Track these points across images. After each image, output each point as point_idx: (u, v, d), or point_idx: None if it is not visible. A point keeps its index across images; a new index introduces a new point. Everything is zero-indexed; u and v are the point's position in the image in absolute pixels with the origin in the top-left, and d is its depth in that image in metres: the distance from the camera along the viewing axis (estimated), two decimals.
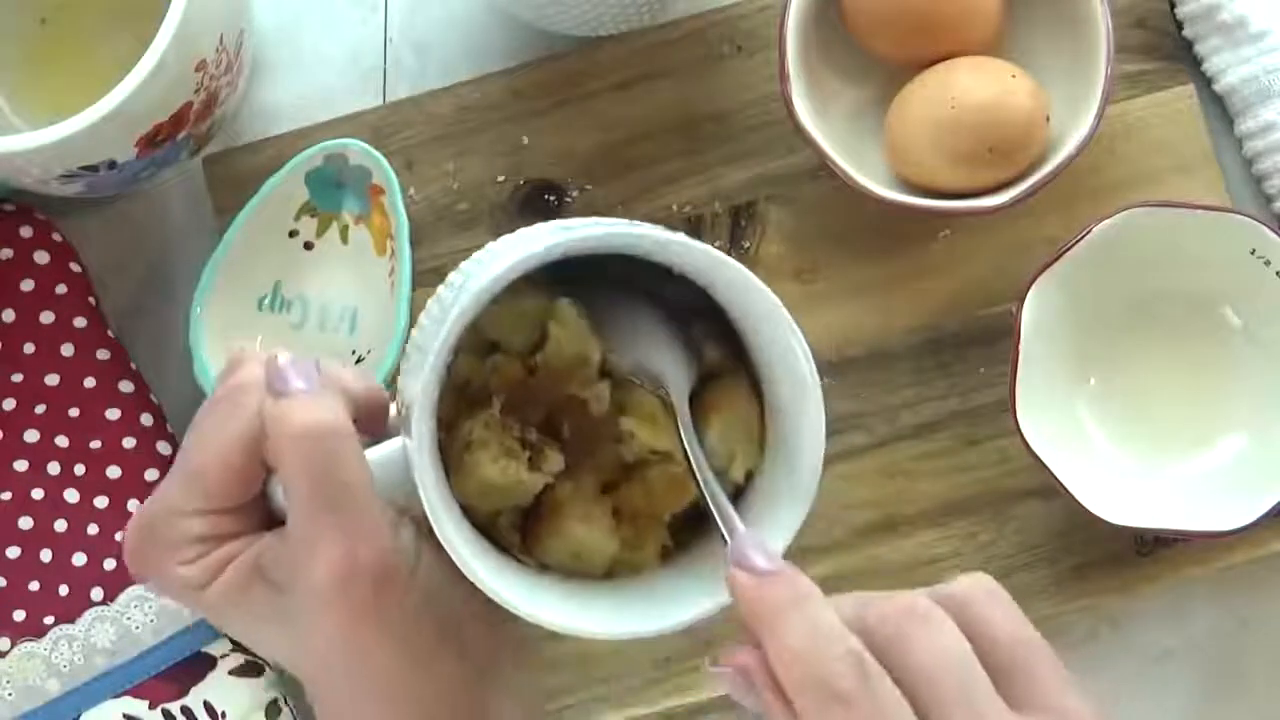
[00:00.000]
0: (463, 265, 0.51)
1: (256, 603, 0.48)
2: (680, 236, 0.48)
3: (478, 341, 0.49)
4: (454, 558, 0.46)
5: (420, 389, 0.46)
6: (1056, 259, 0.68)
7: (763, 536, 0.45)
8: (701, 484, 0.46)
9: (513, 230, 0.74)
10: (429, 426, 0.46)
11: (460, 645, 0.49)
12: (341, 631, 0.47)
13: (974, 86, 0.68)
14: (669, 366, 0.49)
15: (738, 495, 0.50)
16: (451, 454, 0.48)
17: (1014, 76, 0.69)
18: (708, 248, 0.47)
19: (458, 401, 0.49)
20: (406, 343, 0.71)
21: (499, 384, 0.49)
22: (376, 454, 0.48)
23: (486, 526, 0.49)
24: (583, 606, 0.48)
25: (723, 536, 0.45)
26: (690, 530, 0.50)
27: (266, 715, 0.71)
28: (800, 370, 0.47)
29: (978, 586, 0.43)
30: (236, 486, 0.48)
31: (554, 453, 0.49)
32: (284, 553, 0.48)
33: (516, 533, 0.50)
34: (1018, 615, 0.43)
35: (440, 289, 0.50)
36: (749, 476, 0.50)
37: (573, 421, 0.49)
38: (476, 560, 0.46)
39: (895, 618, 0.42)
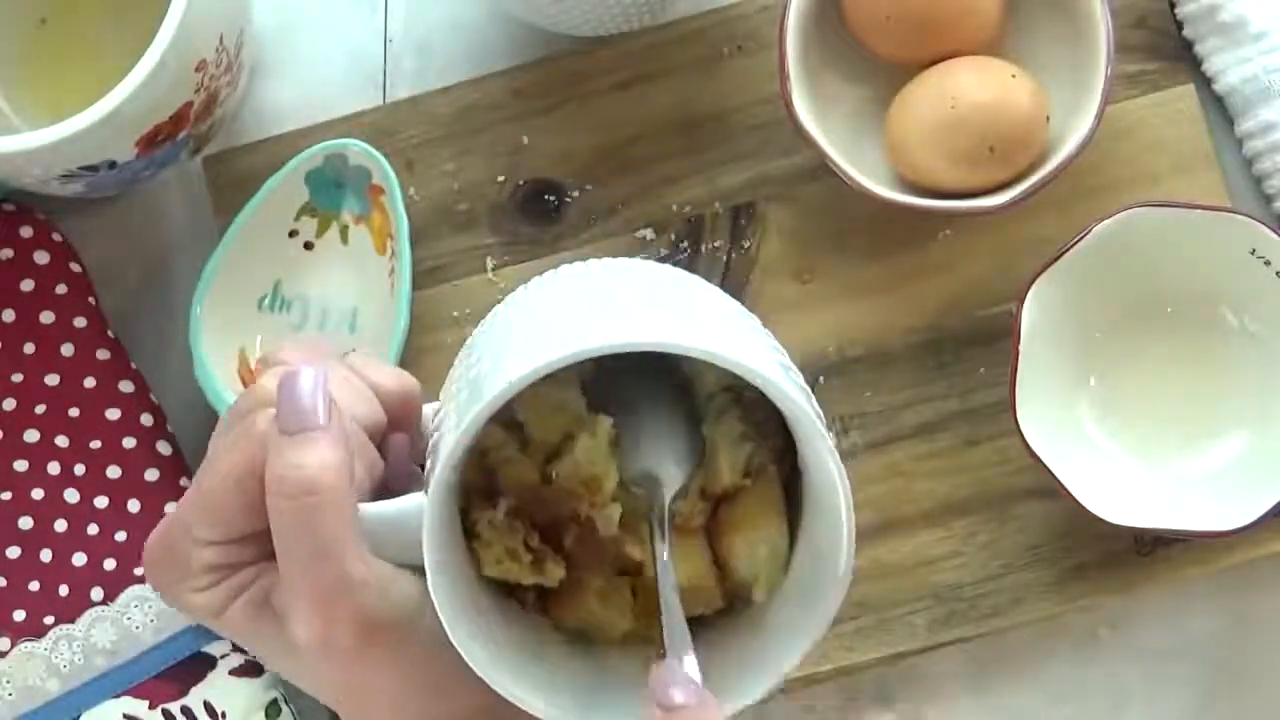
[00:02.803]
0: (500, 313, 0.49)
1: (267, 635, 0.48)
2: (737, 356, 0.44)
3: (504, 410, 0.47)
4: (458, 647, 0.45)
5: (431, 487, 0.45)
6: (1056, 259, 0.68)
7: (689, 670, 0.43)
8: (663, 610, 0.45)
9: (512, 232, 0.74)
10: (440, 521, 0.45)
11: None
12: (336, 678, 0.47)
13: (974, 86, 0.68)
14: (671, 474, 0.48)
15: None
16: (467, 521, 0.48)
17: (1014, 76, 0.69)
18: (765, 376, 0.44)
19: (478, 464, 0.48)
20: (405, 343, 0.71)
21: (510, 484, 0.48)
22: (387, 509, 0.47)
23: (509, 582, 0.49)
24: (559, 684, 0.47)
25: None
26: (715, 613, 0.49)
27: (266, 715, 0.71)
28: (834, 501, 0.45)
29: None
30: (245, 518, 0.48)
31: (555, 566, 0.48)
32: (282, 593, 0.48)
33: (534, 594, 0.49)
34: None
35: (474, 342, 0.49)
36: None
37: (579, 534, 0.48)
38: (475, 644, 0.45)
39: None
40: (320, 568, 0.46)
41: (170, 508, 0.72)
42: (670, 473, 0.48)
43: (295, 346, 0.52)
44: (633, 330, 0.44)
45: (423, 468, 0.50)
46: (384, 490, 0.50)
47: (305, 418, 0.47)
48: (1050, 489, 0.67)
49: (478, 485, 0.48)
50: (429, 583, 0.45)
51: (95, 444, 0.72)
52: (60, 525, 0.72)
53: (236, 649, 0.71)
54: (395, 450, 0.51)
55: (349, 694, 0.49)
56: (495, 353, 0.46)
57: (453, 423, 0.45)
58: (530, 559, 0.48)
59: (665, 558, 0.46)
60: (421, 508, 0.45)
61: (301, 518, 0.46)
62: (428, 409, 0.53)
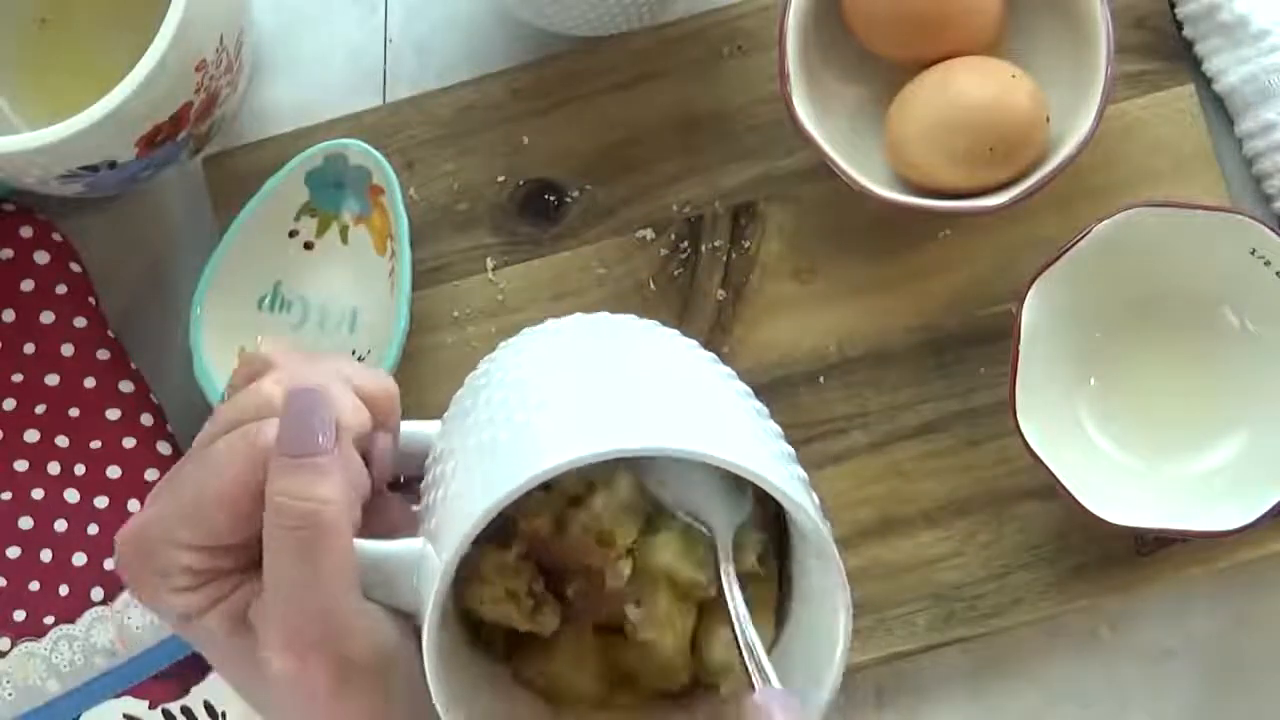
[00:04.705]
0: (508, 378, 0.48)
1: (239, 649, 0.47)
2: (749, 463, 0.43)
3: None
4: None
5: (433, 583, 0.44)
6: (1056, 259, 0.68)
7: (795, 698, 0.43)
8: (740, 642, 0.45)
9: (512, 231, 0.74)
10: (440, 605, 0.44)
11: None
12: (302, 714, 0.46)
13: (974, 86, 0.68)
14: (717, 513, 0.47)
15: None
16: (465, 567, 0.47)
17: (1014, 76, 0.69)
18: (782, 490, 0.43)
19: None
20: (405, 343, 0.71)
21: (522, 531, 0.47)
22: (379, 549, 0.46)
23: (480, 626, 0.48)
24: None
25: (751, 685, 0.44)
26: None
27: None
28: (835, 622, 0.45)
29: None
30: (237, 528, 0.47)
31: (552, 614, 0.47)
32: (261, 614, 0.46)
33: (504, 642, 0.49)
34: None
35: (481, 384, 0.48)
36: None
37: (583, 583, 0.48)
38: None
39: None
40: (308, 601, 0.45)
41: None
42: (723, 509, 0.47)
43: (283, 348, 0.50)
44: (671, 435, 0.43)
45: (395, 483, 0.50)
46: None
47: (312, 443, 0.46)
48: (1050, 489, 0.67)
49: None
50: (425, 664, 0.44)
51: (95, 444, 0.72)
52: (60, 525, 0.72)
53: None
54: (379, 453, 0.50)
55: None
56: (509, 443, 0.45)
57: (460, 514, 0.44)
58: (531, 604, 0.47)
59: (735, 590, 0.45)
60: (416, 554, 0.44)
61: (299, 549, 0.45)
62: (412, 426, 0.52)
